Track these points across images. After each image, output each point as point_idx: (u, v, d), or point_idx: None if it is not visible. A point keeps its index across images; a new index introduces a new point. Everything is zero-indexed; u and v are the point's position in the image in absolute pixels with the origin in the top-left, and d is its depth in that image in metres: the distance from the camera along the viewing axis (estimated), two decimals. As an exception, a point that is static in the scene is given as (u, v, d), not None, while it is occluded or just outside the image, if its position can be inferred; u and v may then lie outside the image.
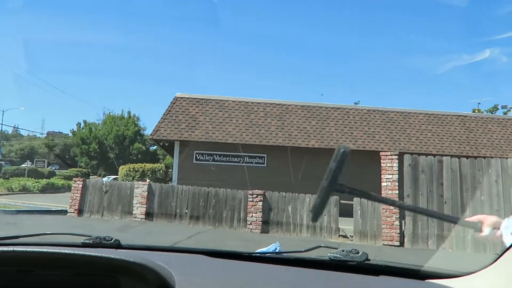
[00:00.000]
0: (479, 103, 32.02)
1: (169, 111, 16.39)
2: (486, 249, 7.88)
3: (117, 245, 1.32)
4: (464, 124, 17.02)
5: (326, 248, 1.32)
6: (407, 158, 9.33)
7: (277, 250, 1.51)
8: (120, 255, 1.12)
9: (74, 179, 13.04)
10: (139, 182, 12.79)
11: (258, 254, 1.33)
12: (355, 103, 33.13)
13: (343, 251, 1.28)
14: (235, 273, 1.10)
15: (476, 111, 28.72)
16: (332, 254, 1.29)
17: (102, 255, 1.07)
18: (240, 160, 16.56)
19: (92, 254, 1.09)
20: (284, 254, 1.33)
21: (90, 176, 35.95)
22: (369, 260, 1.26)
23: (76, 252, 1.10)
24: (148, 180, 15.57)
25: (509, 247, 0.72)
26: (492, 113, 30.68)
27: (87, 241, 1.34)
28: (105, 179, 24.55)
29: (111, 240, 1.36)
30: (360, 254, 1.27)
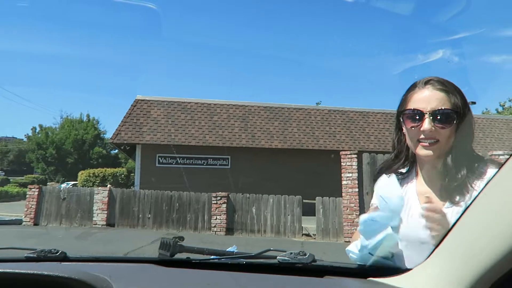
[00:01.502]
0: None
1: (129, 114, 16.00)
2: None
3: (63, 258, 1.28)
4: (419, 122, 17.77)
5: (276, 251, 1.34)
6: (365, 157, 9.63)
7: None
8: (64, 269, 1.09)
9: (29, 186, 12.46)
10: (99, 187, 12.41)
11: (207, 261, 1.34)
12: (316, 103, 33.75)
13: (291, 253, 1.31)
14: (179, 281, 1.10)
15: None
16: (280, 257, 1.31)
17: (33, 271, 1.04)
18: (203, 162, 16.45)
19: (24, 271, 1.05)
20: (233, 259, 1.35)
21: (48, 183, 34.45)
22: (315, 261, 1.29)
23: (8, 271, 1.06)
24: (109, 186, 15.14)
25: (443, 237, 0.76)
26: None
27: (31, 255, 1.30)
28: (63, 185, 23.59)
29: (57, 252, 1.32)
30: (307, 256, 1.30)
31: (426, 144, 1.21)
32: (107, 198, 11.32)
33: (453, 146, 1.20)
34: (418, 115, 1.21)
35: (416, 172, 1.34)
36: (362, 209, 9.59)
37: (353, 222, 9.61)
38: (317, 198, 10.18)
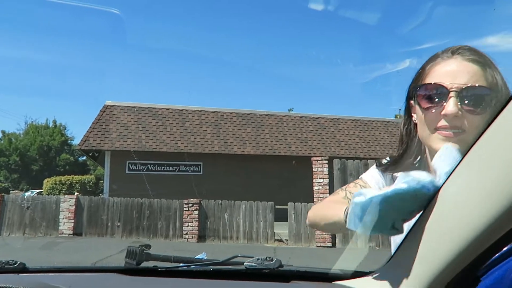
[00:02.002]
0: (399, 109, 34.58)
1: (98, 119, 15.61)
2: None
3: (21, 269, 1.23)
4: (388, 129, 18.28)
5: (243, 257, 1.34)
6: (336, 163, 9.79)
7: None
8: (22, 280, 1.05)
9: (-10, 195, 11.90)
10: (66, 195, 12.02)
11: (174, 268, 1.32)
12: (288, 110, 34.07)
13: (258, 259, 1.31)
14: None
15: (398, 116, 30.90)
16: (248, 263, 1.32)
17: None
18: (175, 169, 16.25)
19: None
20: (201, 266, 1.34)
21: (11, 191, 33.03)
22: (282, 266, 1.30)
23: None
24: (76, 193, 14.67)
25: (405, 238, 0.77)
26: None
27: (-13, 267, 1.24)
28: (27, 193, 22.68)
29: (15, 264, 1.26)
30: (274, 261, 1.31)
31: (447, 133, 0.86)
32: (74, 206, 10.97)
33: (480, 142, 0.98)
34: (439, 93, 0.87)
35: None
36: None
37: (324, 227, 9.74)
38: (289, 203, 10.25)
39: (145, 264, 1.38)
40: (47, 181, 23.56)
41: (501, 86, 0.85)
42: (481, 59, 0.87)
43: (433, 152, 0.92)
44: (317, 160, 10.23)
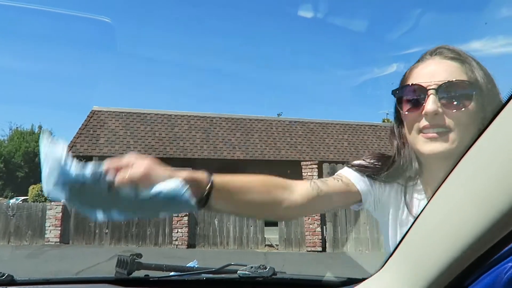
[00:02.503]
0: (387, 113, 34.81)
1: (85, 125, 15.44)
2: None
3: (9, 282, 1.20)
4: (376, 133, 18.45)
5: (237, 266, 1.34)
6: (325, 167, 9.84)
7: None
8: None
9: (-27, 203, 11.66)
10: (52, 202, 11.82)
11: (166, 278, 1.31)
12: (278, 114, 34.15)
13: (251, 267, 1.30)
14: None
15: (386, 120, 31.19)
16: (241, 272, 1.31)
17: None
18: (164, 175, 16.12)
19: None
20: (193, 275, 1.32)
21: (-5, 199, 32.37)
22: (276, 274, 1.30)
23: None
24: (63, 200, 14.43)
25: (398, 244, 0.77)
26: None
27: (-27, 280, 1.20)
28: (12, 201, 22.24)
29: (3, 276, 1.23)
30: (267, 269, 1.31)
31: (431, 135, 0.83)
32: (60, 214, 10.79)
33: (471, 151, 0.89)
34: (418, 93, 0.84)
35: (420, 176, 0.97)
36: (323, 218, 9.76)
37: (315, 231, 9.74)
38: (279, 208, 10.26)
39: (136, 273, 1.36)
40: (33, 188, 23.09)
41: (482, 80, 0.82)
42: (460, 57, 0.86)
43: (421, 156, 0.90)
44: (307, 165, 10.26)
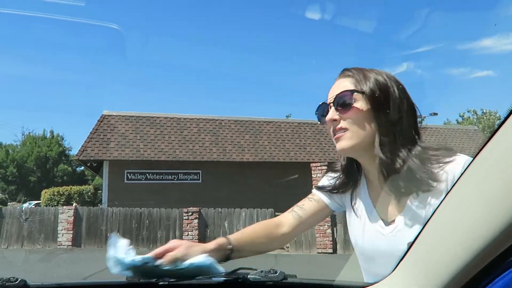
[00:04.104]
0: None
1: (96, 129, 15.59)
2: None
3: (22, 286, 1.21)
4: (386, 133, 18.30)
5: (247, 269, 1.33)
6: (335, 168, 9.79)
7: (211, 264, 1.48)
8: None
9: (-13, 208, 11.84)
10: (64, 206, 11.96)
11: (176, 282, 1.30)
12: (286, 116, 34.13)
13: (261, 271, 1.29)
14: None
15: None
16: (251, 276, 1.30)
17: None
18: (174, 178, 16.19)
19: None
20: (203, 279, 1.32)
21: (8, 203, 32.85)
22: (286, 278, 1.29)
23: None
24: (74, 204, 14.61)
25: (409, 247, 0.76)
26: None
27: (-14, 285, 1.21)
28: (25, 205, 22.57)
29: (16, 281, 1.24)
30: (277, 273, 1.29)
31: (336, 136, 1.04)
32: (72, 218, 10.91)
33: (378, 132, 0.99)
34: (326, 108, 1.08)
35: (365, 176, 1.13)
36: (334, 220, 9.70)
37: (325, 233, 9.69)
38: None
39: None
40: (45, 192, 23.49)
41: (368, 87, 1.01)
42: (352, 73, 1.06)
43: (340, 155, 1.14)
44: (316, 166, 10.22)
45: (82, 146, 15.21)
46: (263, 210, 10.56)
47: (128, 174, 15.91)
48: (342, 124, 1.02)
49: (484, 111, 43.34)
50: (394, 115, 0.99)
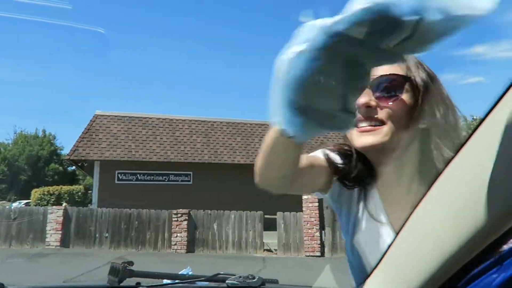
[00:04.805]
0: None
1: (88, 129, 15.51)
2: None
3: (1, 289, 1.23)
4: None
5: (226, 275, 1.37)
6: (325, 172, 9.85)
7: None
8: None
9: (-25, 206, 11.71)
10: (54, 206, 11.87)
11: (157, 285, 1.34)
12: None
13: (240, 277, 1.34)
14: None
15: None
16: (230, 281, 1.34)
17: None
18: (165, 179, 16.16)
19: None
20: (183, 284, 1.36)
21: (-3, 202, 32.45)
22: (264, 284, 1.33)
23: None
24: (64, 204, 14.49)
25: (382, 257, 0.79)
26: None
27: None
28: (14, 204, 22.33)
29: (-5, 283, 1.26)
30: (256, 279, 1.34)
31: (363, 128, 0.83)
32: (61, 218, 10.83)
33: (415, 135, 0.82)
34: None
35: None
36: (323, 223, 9.76)
37: (313, 236, 9.74)
38: (278, 213, 10.26)
39: (128, 281, 1.39)
40: (35, 192, 23.24)
41: (419, 78, 0.82)
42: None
43: (366, 155, 0.90)
44: (307, 170, 10.27)
45: (73, 145, 15.12)
46: (253, 213, 10.59)
47: (119, 175, 15.84)
48: (380, 114, 0.82)
49: (475, 117, 43.78)
50: (441, 118, 0.81)
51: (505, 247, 0.53)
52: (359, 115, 0.83)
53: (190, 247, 10.44)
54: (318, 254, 9.59)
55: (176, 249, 10.39)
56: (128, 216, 10.87)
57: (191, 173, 16.38)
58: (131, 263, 1.44)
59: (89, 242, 10.77)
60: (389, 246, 0.73)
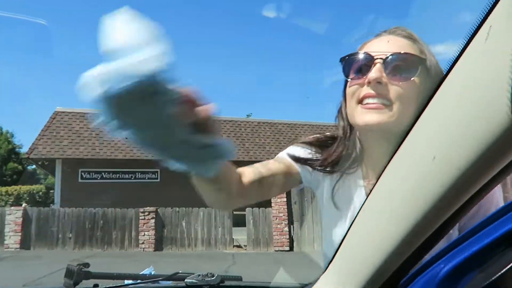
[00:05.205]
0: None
1: (48, 126, 14.90)
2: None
3: None
4: (343, 133, 18.83)
5: (185, 274, 1.35)
6: (293, 167, 9.96)
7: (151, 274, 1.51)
8: None
9: None
10: (12, 207, 11.36)
11: (115, 286, 1.31)
12: (247, 115, 34.18)
13: (199, 275, 1.32)
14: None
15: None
16: (188, 280, 1.32)
17: None
18: (131, 177, 15.81)
19: None
20: (142, 284, 1.33)
21: (-50, 204, 30.69)
22: (223, 282, 1.32)
23: None
24: (24, 205, 13.89)
25: (338, 247, 0.79)
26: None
27: None
28: (-31, 206, 21.16)
29: None
30: (214, 277, 1.33)
31: (370, 104, 0.79)
32: (21, 219, 10.38)
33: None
34: (365, 61, 0.80)
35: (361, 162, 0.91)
36: (291, 218, 9.88)
37: (282, 231, 9.84)
38: (247, 209, 10.29)
39: (85, 283, 1.35)
40: (-8, 192, 22.13)
41: (430, 62, 0.80)
42: (412, 36, 0.83)
43: (359, 130, 0.86)
44: (274, 165, 10.35)
45: (32, 143, 14.49)
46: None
47: (83, 173, 15.35)
48: (389, 92, 0.77)
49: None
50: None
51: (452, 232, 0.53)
52: (367, 90, 0.79)
53: (158, 245, 10.29)
54: (287, 248, 9.71)
55: (143, 248, 10.21)
56: (93, 216, 10.57)
57: (158, 170, 16.11)
58: (87, 264, 1.40)
59: (51, 243, 10.39)
60: (345, 235, 0.74)
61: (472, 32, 0.39)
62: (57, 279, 6.77)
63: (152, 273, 1.58)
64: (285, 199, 9.98)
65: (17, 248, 10.23)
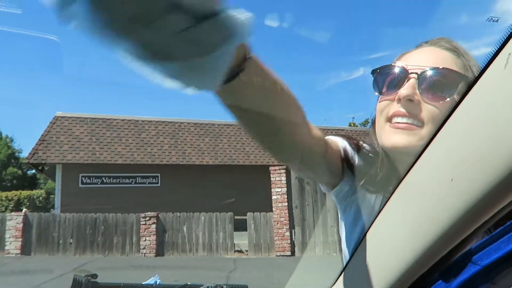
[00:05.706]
0: (353, 118, 35.23)
1: (48, 131, 14.90)
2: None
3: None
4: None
5: (193, 286, 1.35)
6: (293, 172, 9.95)
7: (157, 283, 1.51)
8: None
9: None
10: (13, 213, 11.33)
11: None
12: (247, 118, 33.98)
13: (208, 287, 1.32)
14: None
15: (352, 125, 31.75)
16: (197, 292, 1.32)
17: None
18: (131, 181, 15.80)
19: None
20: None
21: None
22: (232, 293, 1.31)
23: None
24: (24, 210, 13.86)
25: (349, 260, 0.79)
26: (364, 126, 34.16)
27: None
28: (-31, 211, 21.11)
29: None
30: (223, 288, 1.32)
31: (400, 124, 0.70)
32: (21, 224, 10.35)
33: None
34: (398, 75, 0.72)
35: None
36: (292, 223, 9.86)
37: (284, 236, 9.82)
38: (248, 213, 10.26)
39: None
40: (-8, 198, 22.09)
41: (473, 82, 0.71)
42: (457, 50, 0.74)
43: (386, 149, 0.76)
44: (275, 170, 10.34)
45: (32, 148, 14.48)
46: (222, 214, 10.54)
47: (83, 178, 15.34)
48: (423, 113, 0.69)
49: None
50: None
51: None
52: (397, 108, 0.71)
53: (160, 250, 10.27)
54: (289, 253, 9.68)
55: (145, 253, 10.18)
56: (94, 221, 10.54)
57: (159, 175, 16.10)
58: (95, 275, 1.39)
59: (52, 249, 10.36)
60: (356, 248, 0.73)
61: (490, 58, 0.40)
62: (58, 285, 6.77)
63: (158, 282, 1.58)
64: (286, 204, 9.97)
65: (18, 254, 10.19)
